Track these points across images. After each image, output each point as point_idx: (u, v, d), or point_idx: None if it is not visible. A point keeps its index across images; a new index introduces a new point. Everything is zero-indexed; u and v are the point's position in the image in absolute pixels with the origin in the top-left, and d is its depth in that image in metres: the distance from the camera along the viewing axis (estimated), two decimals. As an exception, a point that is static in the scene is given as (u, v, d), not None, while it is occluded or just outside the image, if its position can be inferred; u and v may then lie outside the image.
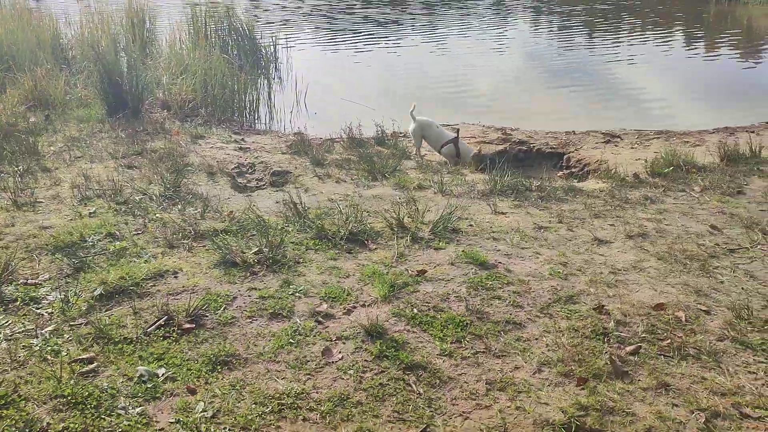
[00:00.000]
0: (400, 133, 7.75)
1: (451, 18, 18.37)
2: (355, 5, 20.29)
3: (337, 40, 15.10)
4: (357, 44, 14.32)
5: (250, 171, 5.87)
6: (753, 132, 7.74)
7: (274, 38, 11.90)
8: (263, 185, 5.51)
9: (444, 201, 5.03)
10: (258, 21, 16.39)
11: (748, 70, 12.42)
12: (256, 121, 8.74)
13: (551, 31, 17.00)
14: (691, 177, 5.78)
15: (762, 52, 14.59)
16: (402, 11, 19.49)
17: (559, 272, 3.89)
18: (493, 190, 5.37)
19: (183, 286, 3.60)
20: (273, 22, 17.09)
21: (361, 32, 15.87)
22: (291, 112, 9.07)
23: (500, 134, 7.85)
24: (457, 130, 7.17)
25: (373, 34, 15.48)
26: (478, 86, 10.94)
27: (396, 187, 5.45)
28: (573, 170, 6.95)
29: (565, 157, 7.24)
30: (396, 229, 4.43)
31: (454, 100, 10.00)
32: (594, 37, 15.25)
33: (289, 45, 12.74)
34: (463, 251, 4.11)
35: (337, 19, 18.08)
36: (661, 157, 6.22)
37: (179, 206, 4.75)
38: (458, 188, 5.45)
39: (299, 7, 20.25)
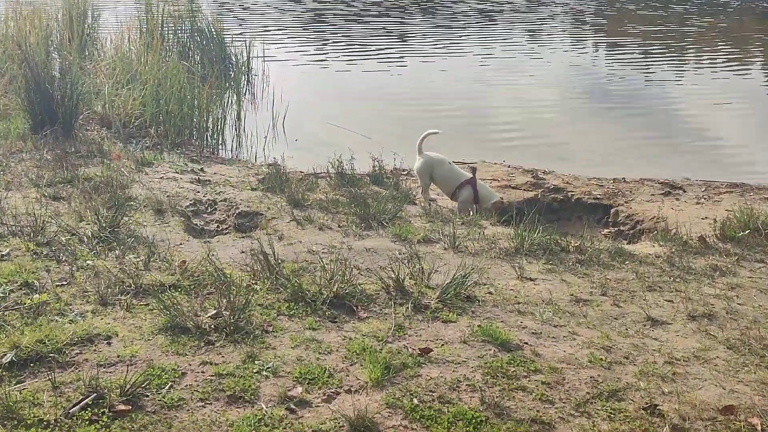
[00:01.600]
0: (403, 170, 7.86)
1: (471, 27, 18.81)
2: (363, 11, 20.77)
3: (327, 51, 15.42)
4: (352, 57, 14.63)
5: (209, 210, 5.90)
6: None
7: (248, 44, 12.15)
8: (226, 229, 5.53)
9: (456, 260, 5.06)
10: (231, 23, 16.76)
11: None
12: (220, 146, 8.85)
13: (597, 48, 17.42)
14: (771, 244, 5.87)
15: None
16: (410, 17, 19.95)
17: (600, 359, 3.91)
18: (520, 248, 5.41)
19: (118, 356, 3.59)
20: (246, 23, 17.46)
21: (359, 43, 16.23)
22: (265, 137, 9.19)
23: (530, 178, 7.94)
24: (474, 169, 7.27)
25: (373, 46, 15.84)
26: (503, 115, 11.13)
27: (395, 238, 5.49)
28: (621, 228, 7.03)
29: (612, 210, 7.32)
30: (394, 294, 4.44)
31: (472, 131, 10.16)
32: (651, 61, 15.60)
33: (267, 54, 13.00)
34: (479, 326, 4.13)
35: (330, 26, 18.49)
36: (735, 216, 6.31)
37: (117, 252, 4.77)
38: (475, 244, 5.49)
39: (287, 10, 20.72)
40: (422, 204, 6.79)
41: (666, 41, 18.22)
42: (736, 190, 7.80)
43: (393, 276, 4.53)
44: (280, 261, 4.70)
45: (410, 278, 4.64)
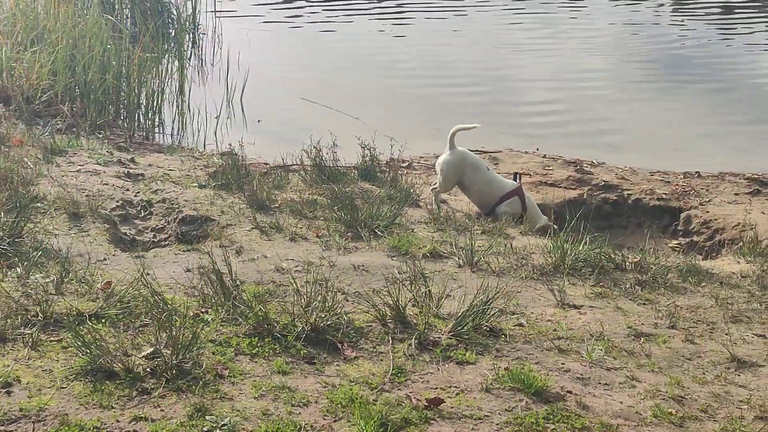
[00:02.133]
0: (403, 160, 7.86)
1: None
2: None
3: (302, 2, 15.44)
4: (336, 11, 14.67)
5: (143, 214, 5.87)
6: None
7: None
8: (165, 240, 5.51)
9: (475, 281, 5.05)
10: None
11: None
12: (157, 129, 8.85)
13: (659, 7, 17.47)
14: None
15: None
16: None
17: (670, 413, 3.91)
18: (560, 266, 5.41)
19: (21, 410, 3.57)
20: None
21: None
22: (218, 117, 9.18)
23: (573, 171, 7.95)
24: (518, 175, 7.27)
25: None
26: (537, 90, 11.17)
27: (393, 252, 5.48)
28: (695, 239, 7.03)
29: (683, 215, 7.33)
30: (392, 326, 4.42)
31: (494, 110, 10.18)
32: (735, 18, 15.65)
33: (220, 6, 13.01)
34: (506, 369, 4.12)
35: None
36: None
37: (19, 270, 4.74)
38: (500, 260, 5.48)
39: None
40: (431, 206, 6.79)
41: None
42: None
43: (390, 302, 4.50)
44: (238, 282, 4.68)
45: (414, 305, 4.62)
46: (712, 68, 12.29)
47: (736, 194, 7.63)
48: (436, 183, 7.19)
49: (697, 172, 8.18)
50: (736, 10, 16.14)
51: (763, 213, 7.15)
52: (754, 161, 8.59)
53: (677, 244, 6.95)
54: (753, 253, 6.03)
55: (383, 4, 15.30)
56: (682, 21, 15.25)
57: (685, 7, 16.54)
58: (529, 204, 7.01)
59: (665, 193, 7.62)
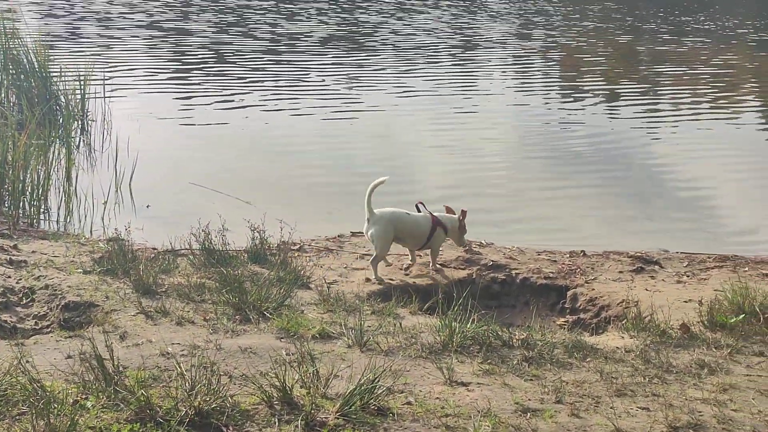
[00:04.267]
0: (293, 243, 7.86)
1: (388, 54, 19.23)
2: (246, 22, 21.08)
3: (195, 89, 15.47)
4: (231, 90, 14.73)
5: (25, 302, 5.75)
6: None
7: (83, 80, 12.07)
8: (47, 327, 5.39)
9: (364, 360, 5.03)
10: (61, 51, 16.66)
11: None
12: (43, 216, 8.69)
13: (549, 83, 18.01)
14: (772, 332, 6.05)
15: None
16: (310, 46, 20.25)
17: (556, 487, 3.93)
18: (449, 344, 5.42)
19: None
20: (83, 52, 17.37)
21: (239, 80, 16.36)
22: (105, 203, 9.08)
23: (462, 252, 8.03)
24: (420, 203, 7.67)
25: (258, 84, 16.00)
26: (428, 171, 11.33)
27: (282, 334, 5.45)
28: (582, 315, 7.13)
29: (570, 293, 7.44)
30: (279, 408, 4.37)
31: (387, 192, 10.21)
32: (620, 103, 16.24)
33: (110, 93, 12.94)
34: (394, 448, 4.10)
35: (199, 55, 18.61)
36: (726, 297, 6.48)
37: None
38: (390, 339, 5.49)
39: (140, 35, 20.76)
40: (321, 287, 6.76)
41: (635, 76, 19.08)
42: (727, 265, 8.04)
43: (277, 384, 4.46)
44: (121, 368, 4.58)
45: (301, 386, 4.57)
46: (595, 148, 12.68)
47: (620, 272, 7.80)
48: (371, 253, 7.48)
49: (582, 251, 8.35)
50: (621, 97, 16.74)
51: (646, 290, 7.31)
52: (638, 240, 8.82)
53: (564, 321, 7.03)
54: (636, 328, 6.13)
55: (279, 89, 15.42)
56: (568, 103, 15.72)
57: (571, 89, 17.08)
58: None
59: (552, 272, 7.75)
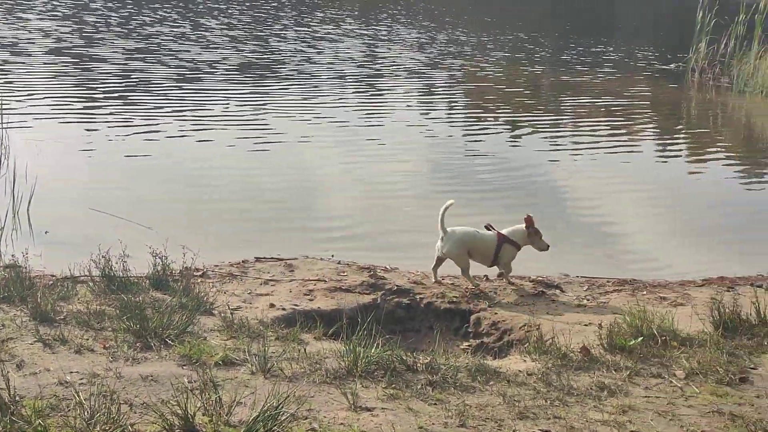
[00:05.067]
0: (197, 269, 7.76)
1: (291, 81, 19.21)
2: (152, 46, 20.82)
3: (100, 108, 15.22)
4: (139, 118, 14.53)
5: None
6: (761, 286, 8.46)
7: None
8: (-60, 356, 5.22)
9: (268, 387, 5.00)
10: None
11: (754, 192, 13.89)
12: (-70, 243, 8.43)
13: (461, 116, 18.19)
14: (670, 354, 6.16)
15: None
16: (215, 72, 20.12)
17: None
18: (353, 369, 5.42)
19: None
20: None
21: (153, 95, 16.16)
22: (1, 229, 8.82)
23: (366, 277, 8.03)
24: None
25: (172, 101, 15.82)
26: (332, 199, 11.37)
27: (184, 361, 5.37)
28: (485, 339, 7.18)
29: (473, 317, 7.49)
30: (180, 436, 4.31)
31: (291, 218, 10.26)
32: (527, 132, 16.52)
33: (6, 115, 12.65)
34: (297, 475, 4.06)
35: (103, 79, 18.34)
36: (625, 321, 6.63)
37: None
38: (294, 365, 5.46)
39: (42, 54, 20.34)
40: (224, 313, 6.69)
41: (543, 106, 19.47)
42: (626, 288, 8.22)
43: (179, 412, 4.39)
44: (17, 397, 4.48)
45: (204, 414, 4.52)
46: (505, 179, 12.76)
47: (522, 296, 7.89)
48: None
49: (485, 276, 8.43)
50: (529, 127, 17.03)
51: (548, 313, 7.39)
52: (540, 264, 8.92)
53: (468, 345, 7.07)
54: (538, 351, 6.21)
55: (186, 112, 15.27)
56: (472, 130, 15.94)
57: (484, 121, 17.31)
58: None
59: (456, 297, 7.80)
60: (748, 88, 22.97)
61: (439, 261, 8.14)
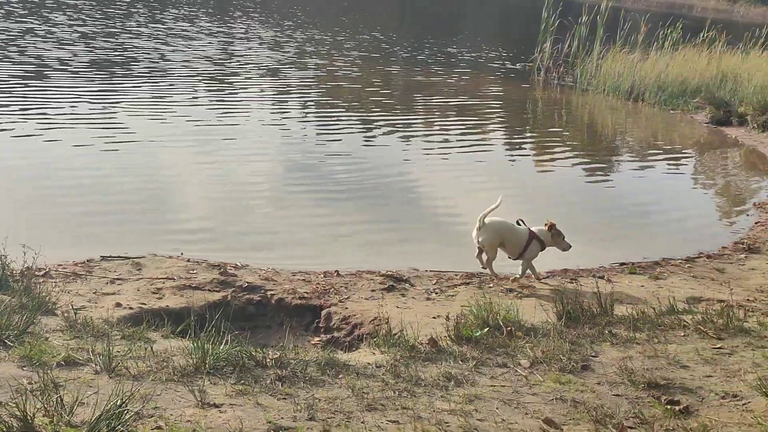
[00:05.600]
0: (39, 268, 7.53)
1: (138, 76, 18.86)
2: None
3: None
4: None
5: None
6: (602, 277, 8.87)
7: None
8: None
9: (112, 386, 4.87)
10: None
11: (598, 188, 14.41)
12: None
13: (317, 116, 18.16)
14: (515, 344, 6.32)
15: (617, 161, 17.17)
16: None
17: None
18: (201, 366, 5.35)
19: None
20: None
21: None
22: None
23: (217, 274, 7.98)
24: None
25: (16, 99, 15.41)
26: (183, 196, 11.23)
27: (24, 362, 5.20)
28: (336, 334, 7.24)
29: (324, 312, 7.54)
30: (18, 438, 4.16)
31: (139, 216, 10.08)
32: (381, 132, 16.64)
33: None
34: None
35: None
36: (472, 313, 6.77)
37: None
38: (140, 364, 5.35)
39: None
40: (67, 313, 6.51)
41: (393, 104, 19.64)
42: (473, 281, 8.44)
43: (18, 414, 4.24)
44: None
45: (44, 415, 4.37)
46: (359, 178, 12.81)
47: (373, 290, 7.98)
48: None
49: (336, 271, 8.48)
50: (384, 127, 17.15)
51: (397, 307, 7.52)
52: (391, 260, 9.04)
53: (319, 340, 7.09)
54: (387, 344, 6.26)
55: (32, 117, 14.71)
56: (338, 134, 15.96)
57: (341, 121, 17.33)
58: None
59: (307, 292, 7.82)
60: (591, 86, 23.99)
61: (480, 250, 8.72)
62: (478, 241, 8.59)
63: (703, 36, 25.64)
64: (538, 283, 8.66)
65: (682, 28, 25.84)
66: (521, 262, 8.76)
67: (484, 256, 8.66)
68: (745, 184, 15.69)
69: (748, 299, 8.42)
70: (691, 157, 18.18)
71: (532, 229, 8.71)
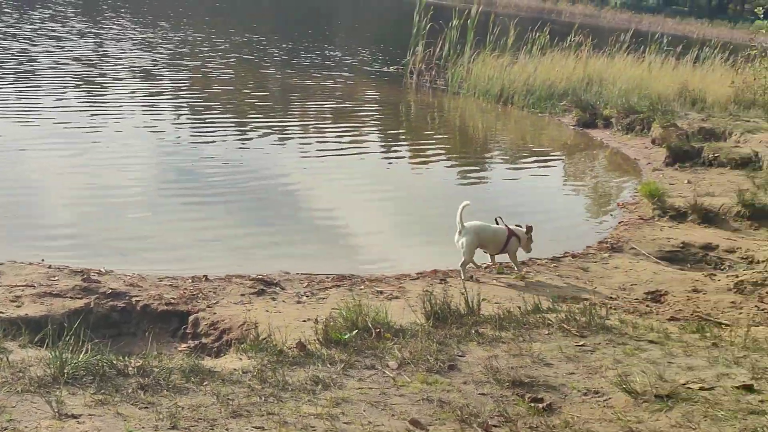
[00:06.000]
0: None
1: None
2: None
3: None
4: None
5: None
6: (471, 278, 9.02)
7: None
8: None
9: (-38, 400, 4.71)
10: None
11: (469, 188, 14.68)
12: None
13: (193, 119, 17.90)
14: (384, 346, 6.34)
15: (488, 163, 17.46)
16: None
17: None
18: (59, 376, 5.20)
19: None
20: None
21: None
22: None
23: (79, 281, 7.79)
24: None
25: None
26: (50, 202, 10.91)
27: None
28: (204, 340, 7.15)
29: (191, 318, 7.43)
30: None
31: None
32: (257, 135, 16.54)
33: None
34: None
35: None
36: (341, 315, 6.76)
37: None
38: (-8, 374, 5.17)
39: None
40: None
41: (269, 107, 19.57)
42: (344, 284, 8.44)
43: None
44: None
45: None
46: (233, 182, 12.69)
47: (243, 295, 7.92)
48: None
49: (205, 276, 8.39)
50: (261, 129, 17.08)
51: (267, 311, 7.48)
52: (261, 264, 9.00)
53: (186, 347, 7.01)
54: (255, 349, 6.21)
55: None
56: (213, 137, 15.75)
57: (216, 124, 17.14)
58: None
59: (173, 298, 7.70)
60: (462, 90, 24.39)
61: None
62: (459, 244, 9.07)
63: (570, 40, 26.35)
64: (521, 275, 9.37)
65: (550, 32, 26.60)
66: (509, 258, 9.48)
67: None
68: (611, 185, 16.16)
69: (610, 297, 8.68)
70: (559, 158, 18.65)
71: (510, 227, 9.36)
